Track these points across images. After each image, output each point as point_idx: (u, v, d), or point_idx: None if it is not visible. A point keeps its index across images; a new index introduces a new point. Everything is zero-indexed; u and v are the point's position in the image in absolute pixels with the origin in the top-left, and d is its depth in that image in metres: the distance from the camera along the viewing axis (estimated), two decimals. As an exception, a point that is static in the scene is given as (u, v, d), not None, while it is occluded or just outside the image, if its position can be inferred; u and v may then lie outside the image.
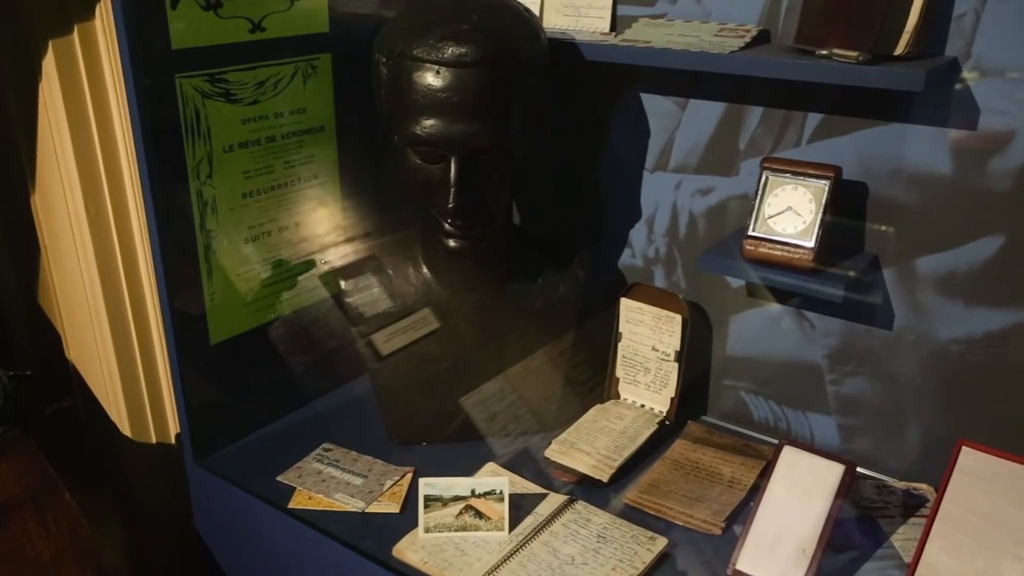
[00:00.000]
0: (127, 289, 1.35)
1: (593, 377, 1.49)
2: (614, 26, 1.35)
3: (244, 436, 1.40)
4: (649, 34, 1.25)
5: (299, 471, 1.31)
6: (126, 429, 1.40)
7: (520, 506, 1.22)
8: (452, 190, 1.13)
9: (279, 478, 1.30)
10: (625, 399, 1.47)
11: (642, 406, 1.45)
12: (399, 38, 1.12)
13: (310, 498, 1.26)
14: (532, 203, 1.56)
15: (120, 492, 1.47)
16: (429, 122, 1.11)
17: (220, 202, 1.27)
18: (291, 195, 1.37)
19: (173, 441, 1.46)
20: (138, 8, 1.11)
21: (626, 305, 1.43)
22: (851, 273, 1.17)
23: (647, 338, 1.42)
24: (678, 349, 1.38)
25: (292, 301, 1.43)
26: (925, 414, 1.27)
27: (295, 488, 1.28)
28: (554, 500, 1.24)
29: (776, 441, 1.39)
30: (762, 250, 1.19)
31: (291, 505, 1.24)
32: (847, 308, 1.28)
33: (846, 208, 1.23)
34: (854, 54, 1.04)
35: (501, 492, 1.18)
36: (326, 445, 1.38)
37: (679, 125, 1.36)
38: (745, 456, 1.34)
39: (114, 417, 1.41)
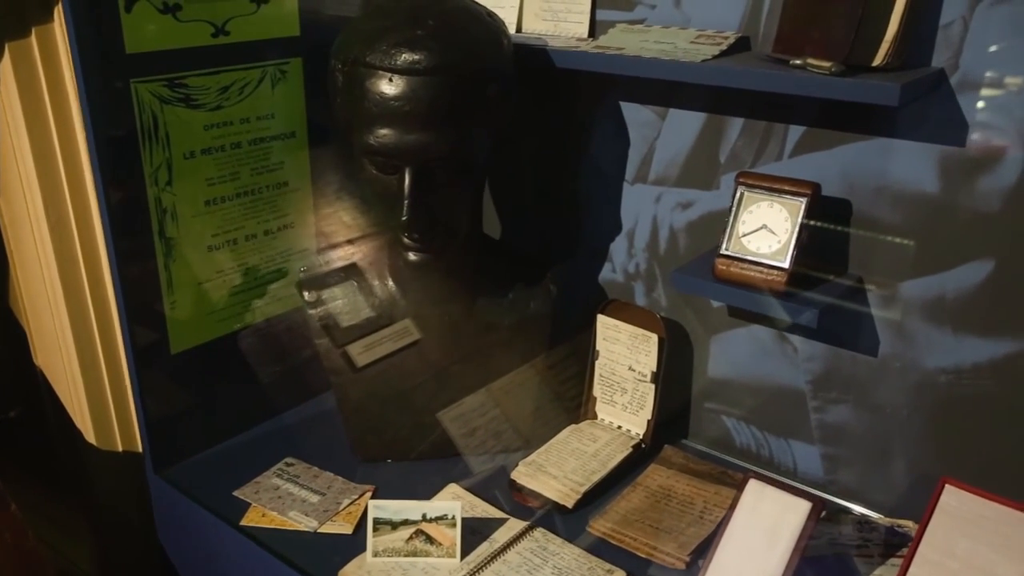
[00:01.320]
0: (90, 295, 1.33)
1: (570, 396, 1.43)
2: (593, 31, 1.30)
3: (208, 448, 1.37)
4: (624, 40, 1.20)
5: (257, 486, 1.28)
6: (91, 436, 1.38)
7: (477, 531, 1.17)
8: (406, 202, 1.09)
9: (236, 493, 1.27)
10: (602, 420, 1.41)
11: (619, 428, 1.39)
12: (353, 44, 1.08)
13: (264, 515, 1.22)
14: (508, 214, 1.51)
15: (87, 500, 1.46)
16: (382, 131, 1.07)
17: (181, 209, 1.24)
18: (259, 203, 1.34)
19: (140, 450, 1.44)
20: (90, 11, 1.08)
21: (603, 322, 1.37)
22: (826, 298, 1.10)
23: (624, 357, 1.36)
24: (654, 370, 1.32)
25: (261, 311, 1.40)
26: (911, 447, 1.20)
27: (250, 504, 1.24)
28: (513, 526, 1.19)
29: (758, 470, 1.34)
30: (734, 270, 1.13)
31: (243, 522, 1.21)
32: (830, 332, 1.21)
33: (828, 226, 1.17)
34: (827, 64, 0.98)
35: (453, 517, 1.13)
36: (288, 460, 1.34)
37: (659, 135, 1.30)
38: (721, 485, 1.28)
39: (79, 424, 1.39)
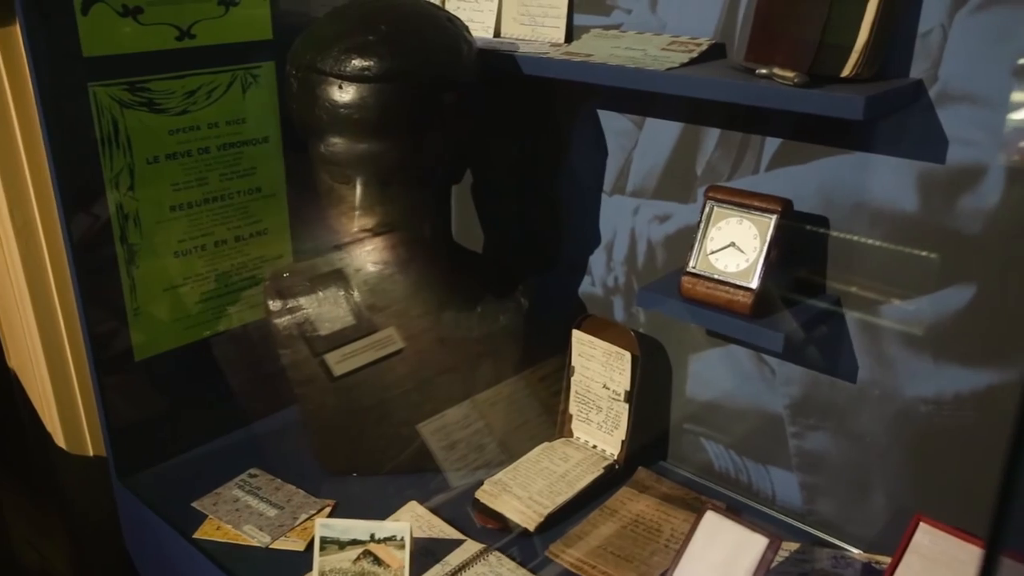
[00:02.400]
0: (58, 300, 1.32)
1: (549, 413, 1.39)
2: (570, 36, 1.25)
3: (175, 456, 1.36)
4: (594, 46, 1.15)
5: (217, 497, 1.26)
6: (60, 441, 1.37)
7: (431, 552, 1.14)
8: (356, 213, 1.06)
9: (194, 504, 1.25)
10: (578, 438, 1.37)
11: (594, 447, 1.35)
12: (307, 50, 1.05)
13: (218, 528, 1.20)
14: (487, 224, 1.47)
15: (60, 503, 1.45)
16: (333, 140, 1.04)
17: (144, 215, 1.23)
18: (229, 208, 1.32)
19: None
20: (44, 13, 1.07)
21: (578, 338, 1.33)
22: (794, 322, 1.04)
23: (599, 375, 1.31)
24: (628, 389, 1.27)
25: (235, 317, 1.38)
26: (891, 479, 1.13)
27: (207, 516, 1.22)
28: (469, 549, 1.15)
29: (737, 496, 1.29)
30: (700, 289, 1.08)
31: (197, 534, 1.19)
32: (807, 355, 1.15)
33: (805, 244, 1.11)
34: (791, 75, 0.92)
35: (402, 539, 1.09)
36: (252, 471, 1.32)
37: (636, 145, 1.25)
38: (692, 512, 1.22)
39: (49, 427, 1.38)
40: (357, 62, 1.01)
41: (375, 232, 1.08)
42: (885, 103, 0.92)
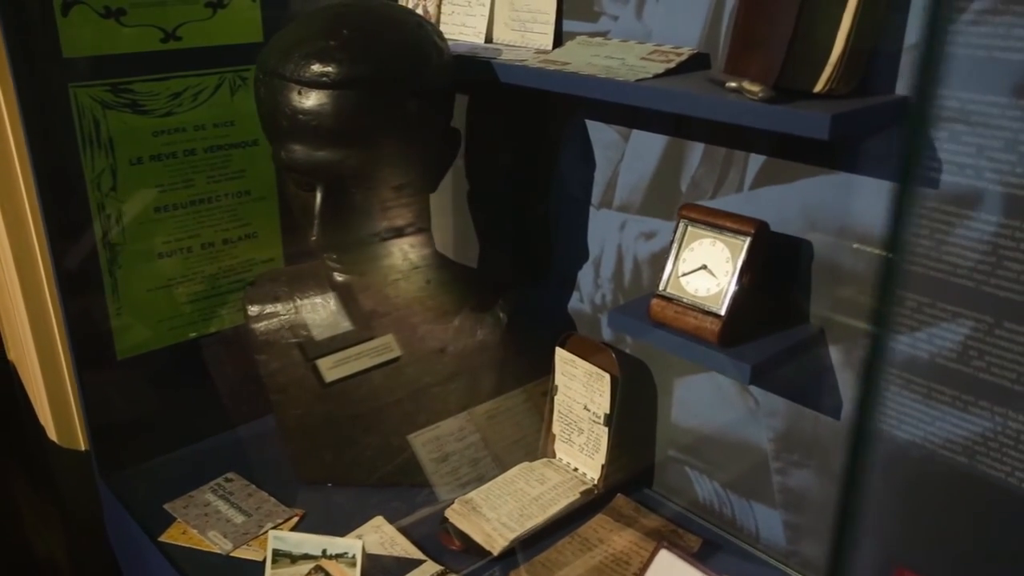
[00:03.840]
0: (49, 295, 1.34)
1: (525, 432, 1.34)
2: (559, 42, 1.21)
3: (158, 455, 1.36)
4: (573, 55, 1.10)
5: (189, 500, 1.26)
6: (52, 434, 1.40)
7: (387, 571, 1.11)
8: (315, 222, 1.04)
9: (165, 506, 1.25)
10: (560, 459, 1.32)
11: (575, 469, 1.30)
12: (271, 55, 1.03)
13: (184, 532, 1.20)
14: (475, 235, 1.43)
15: (54, 494, 1.48)
16: (293, 147, 1.02)
17: (127, 216, 1.23)
18: (217, 211, 1.32)
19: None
20: (22, 14, 1.08)
21: (560, 356, 1.28)
22: (764, 353, 0.97)
23: (580, 395, 1.26)
24: (608, 412, 1.22)
25: (220, 321, 1.38)
26: (877, 525, 1.05)
27: (175, 519, 1.22)
28: (426, 571, 1.12)
29: (719, 530, 1.22)
30: (669, 312, 1.02)
31: (162, 537, 1.19)
32: (791, 387, 1.08)
33: (786, 270, 1.04)
34: (757, 89, 0.86)
35: (353, 556, 1.07)
36: (229, 475, 1.31)
37: (623, 158, 1.20)
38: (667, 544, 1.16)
39: (42, 420, 1.41)
40: (316, 67, 0.98)
41: (328, 240, 1.05)
42: (857, 122, 0.84)
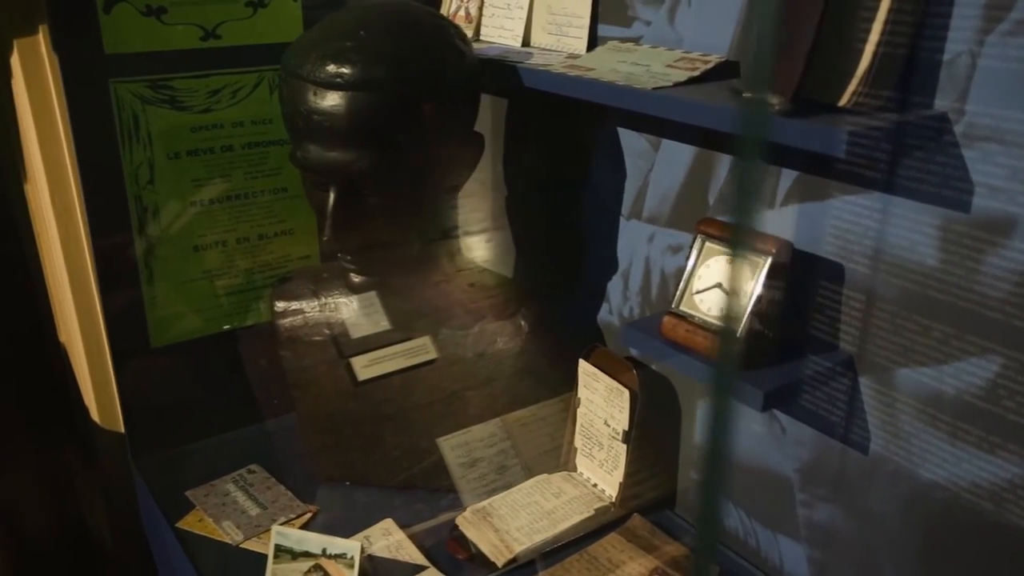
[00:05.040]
0: (94, 280, 1.38)
1: (559, 443, 1.31)
2: (593, 47, 1.18)
3: (190, 442, 1.39)
4: (600, 60, 1.07)
5: (210, 489, 1.28)
6: (95, 415, 1.44)
7: (384, 574, 1.10)
8: (327, 222, 1.03)
9: (187, 493, 1.27)
10: (580, 473, 1.29)
11: (595, 485, 1.26)
12: (293, 55, 1.04)
13: (200, 520, 1.22)
14: (506, 241, 1.41)
15: (97, 474, 1.53)
16: (308, 147, 1.02)
17: (164, 208, 1.26)
18: (253, 207, 1.34)
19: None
20: (67, 11, 1.12)
21: (584, 368, 1.24)
22: (781, 380, 0.92)
23: (601, 410, 1.23)
24: (626, 429, 1.18)
25: (253, 315, 1.40)
26: (904, 569, 0.98)
27: (194, 506, 1.24)
28: (428, 577, 1.11)
29: (743, 561, 1.17)
30: (681, 331, 0.97)
31: (179, 524, 1.21)
32: (817, 416, 1.02)
33: (816, 294, 0.98)
34: (774, 100, 0.81)
35: (352, 557, 1.06)
36: (252, 467, 1.33)
37: (652, 168, 1.16)
38: (678, 570, 1.12)
39: (87, 401, 1.46)
40: (331, 68, 0.98)
41: (339, 241, 1.05)
42: (881, 140, 0.79)
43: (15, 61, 1.24)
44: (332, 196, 1.03)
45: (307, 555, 1.08)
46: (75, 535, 1.78)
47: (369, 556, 1.12)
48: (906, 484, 0.95)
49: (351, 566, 1.06)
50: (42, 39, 1.22)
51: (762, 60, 0.32)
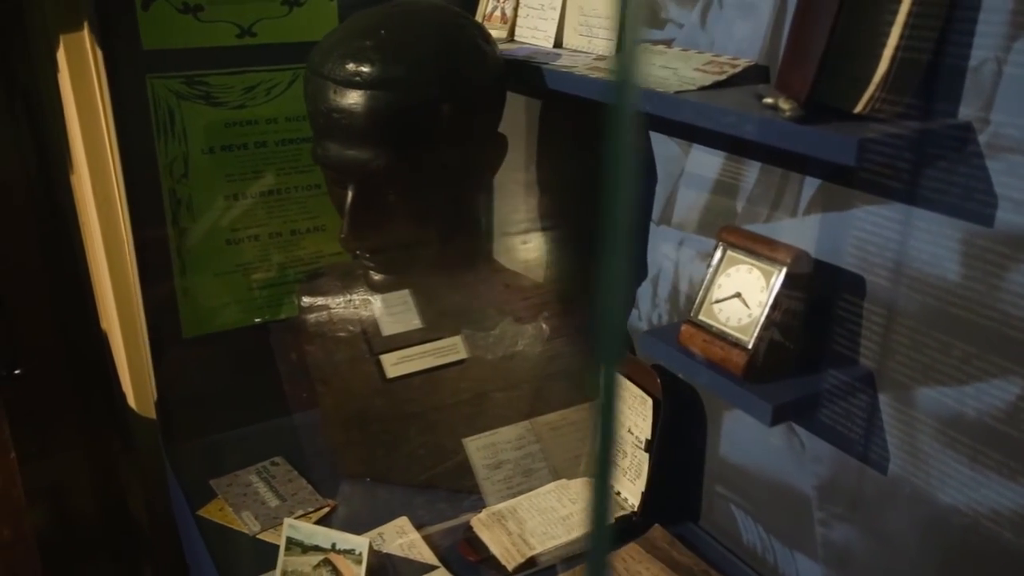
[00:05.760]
0: (130, 269, 1.42)
1: (578, 448, 1.30)
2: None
3: (216, 432, 1.42)
4: (626, 63, 1.05)
5: (233, 479, 1.30)
6: (131, 402, 1.48)
7: (391, 572, 1.11)
8: (345, 219, 1.04)
9: (211, 481, 1.30)
10: (602, 481, 1.27)
11: (618, 493, 1.24)
12: (317, 53, 1.05)
13: (221, 509, 1.24)
14: (535, 244, 1.40)
15: (133, 458, 1.57)
16: (327, 144, 1.03)
17: (197, 201, 1.29)
18: (286, 202, 1.36)
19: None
20: (107, 7, 1.15)
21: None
22: (791, 395, 0.89)
23: (625, 417, 1.21)
24: (649, 438, 1.16)
25: (287, 308, 1.42)
26: (918, 595, 0.94)
27: (216, 495, 1.27)
28: (435, 577, 1.11)
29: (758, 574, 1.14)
30: (698, 340, 0.95)
31: (200, 511, 1.24)
32: (836, 433, 0.99)
33: (835, 305, 0.95)
34: (787, 106, 0.79)
35: (360, 553, 1.07)
36: (276, 459, 1.35)
37: (682, 173, 1.14)
38: (682, 587, 1.10)
39: (124, 388, 1.50)
40: (350, 67, 0.99)
41: (356, 239, 1.06)
42: (897, 149, 0.76)
43: (61, 56, 1.28)
44: (350, 194, 1.03)
45: (317, 549, 1.09)
46: (118, 517, 1.84)
47: (380, 553, 1.13)
48: (924, 507, 0.91)
49: (359, 562, 1.07)
50: (86, 35, 1.26)
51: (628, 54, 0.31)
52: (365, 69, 0.99)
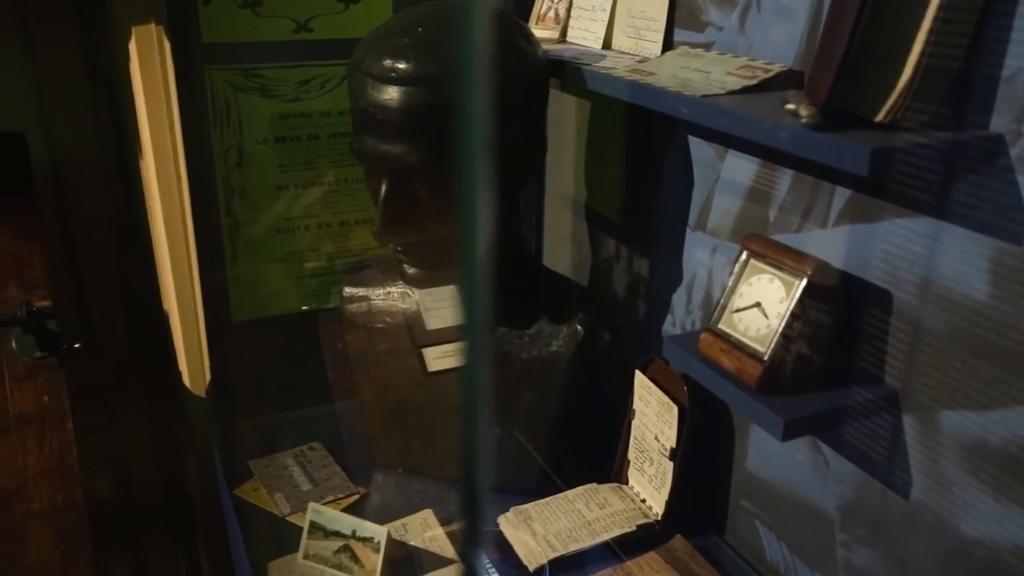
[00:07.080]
0: (187, 253, 1.48)
1: (593, 453, 1.30)
2: (667, 51, 1.15)
3: (260, 414, 1.46)
4: (663, 66, 1.04)
5: (271, 461, 1.34)
6: (187, 381, 1.54)
7: (414, 564, 1.12)
8: (378, 212, 1.06)
9: (250, 462, 1.34)
10: (631, 487, 1.26)
11: (643, 500, 1.23)
12: (359, 49, 1.07)
13: (256, 489, 1.28)
14: (566, 244, 1.39)
15: (187, 434, 1.64)
16: (364, 138, 1.05)
17: (250, 190, 1.33)
18: (336, 194, 1.39)
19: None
20: (173, 2, 1.21)
21: (639, 381, 1.22)
22: (809, 411, 0.87)
23: (653, 424, 1.20)
24: (674, 446, 1.15)
25: (333, 298, 1.45)
26: (937, 629, 0.90)
27: (253, 475, 1.31)
28: (452, 572, 1.11)
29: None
30: (716, 349, 0.94)
31: (236, 491, 1.28)
32: (860, 453, 0.96)
33: (861, 320, 0.92)
34: (805, 112, 0.77)
35: (378, 542, 1.09)
36: (313, 444, 1.38)
37: (718, 179, 1.11)
38: (702, 599, 1.08)
39: (180, 366, 1.56)
40: (388, 63, 1.01)
41: (389, 233, 1.08)
42: (916, 160, 0.73)
43: (132, 47, 1.34)
44: (384, 188, 1.05)
45: (338, 535, 1.12)
46: (176, 491, 1.92)
47: (400, 543, 1.15)
48: (946, 537, 0.87)
49: (377, 550, 1.09)
50: (154, 27, 1.32)
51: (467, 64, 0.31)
52: (401, 65, 1.00)
